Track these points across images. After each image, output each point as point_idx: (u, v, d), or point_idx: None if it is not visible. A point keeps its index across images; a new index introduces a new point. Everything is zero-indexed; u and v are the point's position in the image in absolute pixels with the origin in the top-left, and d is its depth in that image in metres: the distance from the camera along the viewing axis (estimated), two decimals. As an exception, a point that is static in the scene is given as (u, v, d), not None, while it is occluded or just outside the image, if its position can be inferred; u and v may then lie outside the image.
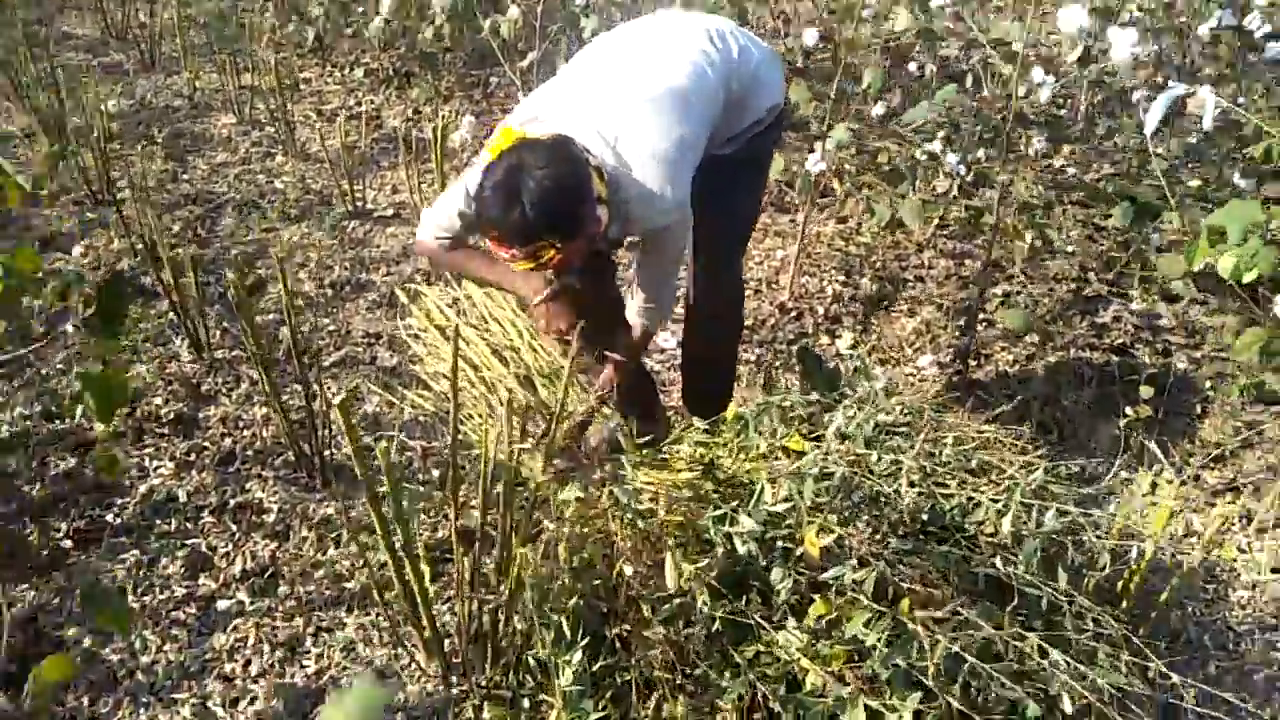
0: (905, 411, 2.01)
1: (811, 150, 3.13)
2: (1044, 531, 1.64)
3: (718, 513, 1.86)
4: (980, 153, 3.14)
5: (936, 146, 2.81)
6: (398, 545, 1.87)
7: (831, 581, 1.71)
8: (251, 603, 2.36)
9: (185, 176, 4.73)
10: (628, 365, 2.33)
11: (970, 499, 1.80)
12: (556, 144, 1.89)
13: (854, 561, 1.70)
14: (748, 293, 3.27)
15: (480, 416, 2.88)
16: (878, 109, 3.19)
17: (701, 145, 2.11)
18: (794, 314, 3.45)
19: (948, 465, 1.89)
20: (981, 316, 3.27)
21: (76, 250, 3.98)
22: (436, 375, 3.09)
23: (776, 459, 2.11)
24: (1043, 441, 2.73)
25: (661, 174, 1.98)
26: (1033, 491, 1.75)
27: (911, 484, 1.83)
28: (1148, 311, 3.29)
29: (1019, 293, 3.50)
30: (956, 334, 3.31)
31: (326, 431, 2.73)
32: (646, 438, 2.58)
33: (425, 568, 2.27)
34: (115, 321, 2.66)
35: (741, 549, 1.77)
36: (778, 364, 3.19)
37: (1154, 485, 2.64)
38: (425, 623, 2.00)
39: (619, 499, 1.93)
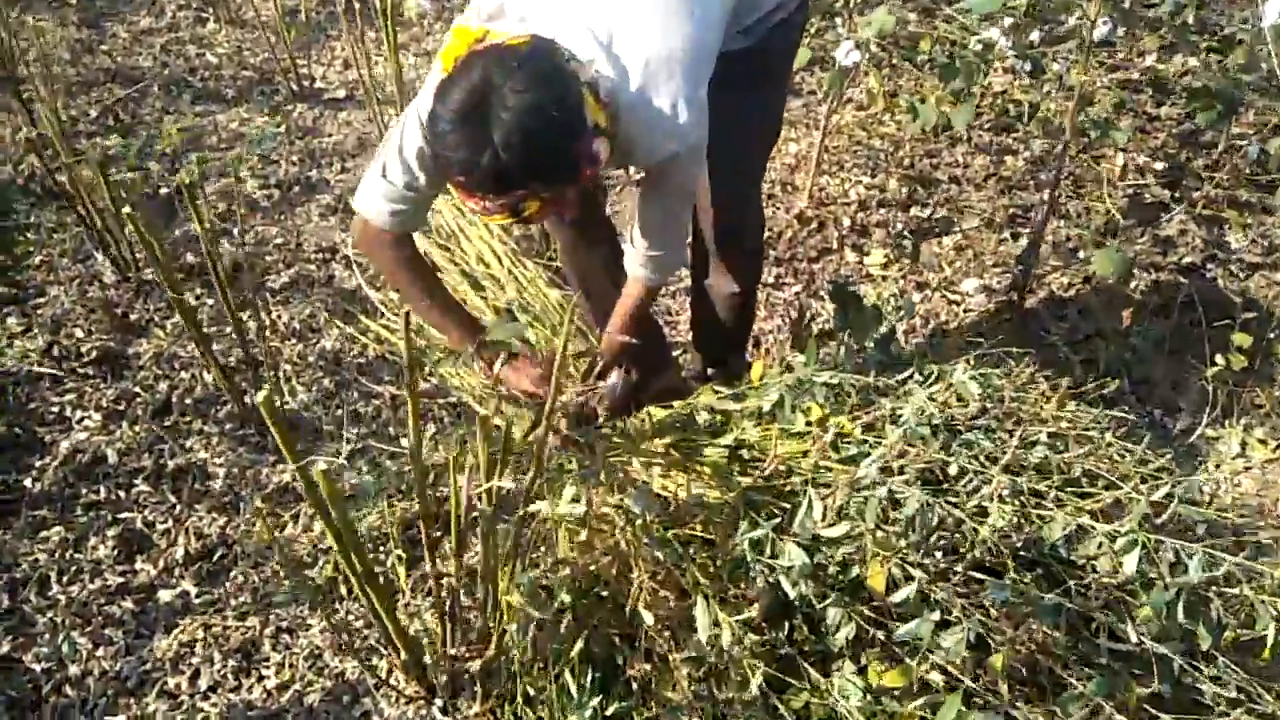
0: (985, 394, 1.64)
1: (842, 33, 2.64)
2: (1184, 582, 1.31)
3: (756, 532, 1.50)
4: (1034, 34, 2.66)
5: (995, 34, 2.34)
6: (355, 563, 1.51)
7: (906, 637, 1.38)
8: (198, 594, 2.02)
9: (104, 47, 4.11)
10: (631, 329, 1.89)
11: (1074, 520, 1.46)
12: (535, 52, 1.37)
13: (934, 612, 1.36)
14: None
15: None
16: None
17: (717, 46, 1.65)
18: (814, 224, 3.02)
19: (1043, 474, 1.54)
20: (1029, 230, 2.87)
21: (-18, 138, 3.44)
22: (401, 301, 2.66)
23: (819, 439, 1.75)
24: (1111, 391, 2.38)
25: (671, 85, 1.51)
26: (1156, 517, 1.41)
27: (1000, 499, 1.48)
28: (1213, 218, 2.89)
29: (1066, 200, 3.09)
30: (1003, 251, 2.90)
31: (276, 375, 2.33)
32: (657, 393, 2.21)
33: (401, 567, 1.93)
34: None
35: (791, 591, 1.43)
36: (809, 302, 2.78)
37: (1244, 445, 2.33)
38: (397, 643, 1.66)
39: (630, 512, 1.57)
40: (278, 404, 2.35)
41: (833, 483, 1.56)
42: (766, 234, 2.96)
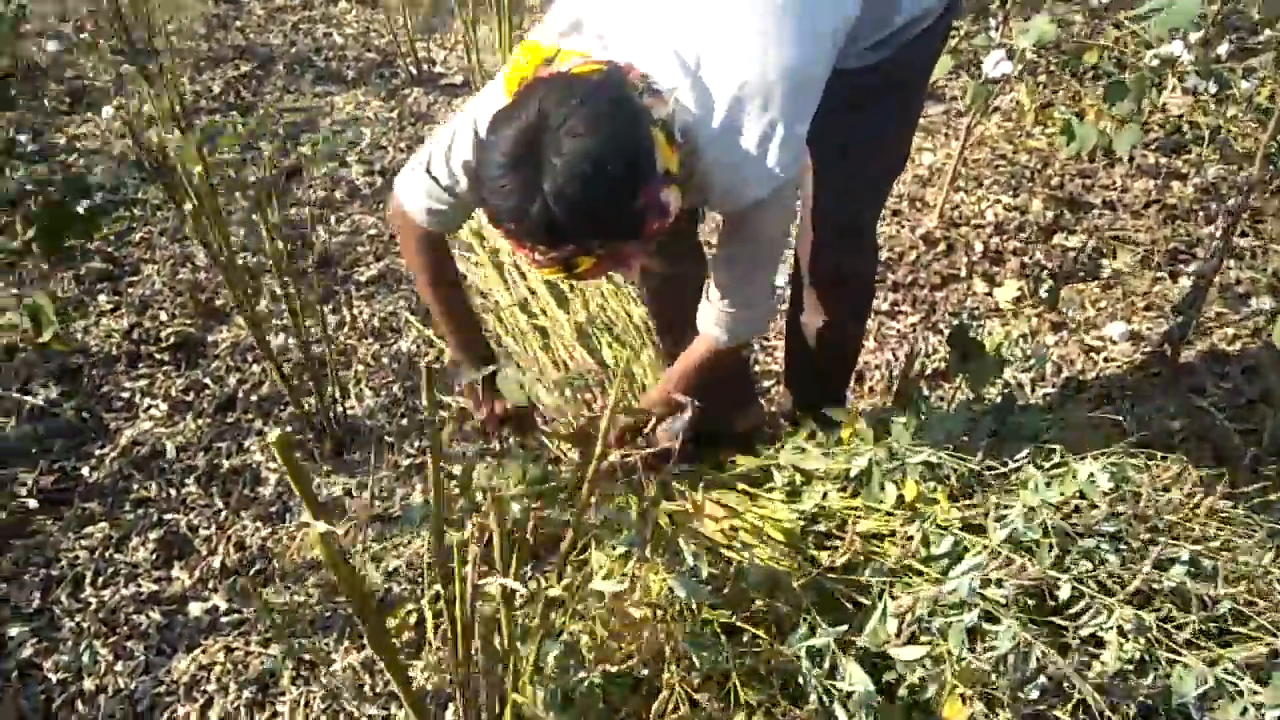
0: (1118, 494, 1.33)
1: (994, 38, 2.31)
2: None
3: (815, 640, 1.25)
4: (1223, 48, 2.27)
5: (1177, 48, 1.98)
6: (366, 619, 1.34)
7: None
8: (227, 611, 1.91)
9: (238, 23, 4.14)
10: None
11: (1213, 672, 1.15)
12: (601, 86, 1.17)
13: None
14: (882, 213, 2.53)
15: (532, 368, 2.31)
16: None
17: (827, 72, 1.39)
18: (942, 246, 2.70)
19: (1180, 603, 1.22)
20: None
21: (107, 111, 3.48)
22: (484, 307, 2.51)
23: (909, 517, 1.48)
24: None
25: (764, 120, 1.27)
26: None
27: (1122, 634, 1.19)
28: None
29: (1239, 236, 2.66)
30: (1158, 292, 2.52)
31: (335, 389, 2.20)
32: (734, 436, 1.98)
33: (430, 612, 1.77)
34: (56, 243, 2.16)
35: (847, 720, 1.18)
36: (920, 344, 2.47)
37: None
38: (408, 708, 1.48)
39: (678, 592, 1.35)
40: (341, 410, 2.26)
41: (915, 589, 1.29)
42: (886, 254, 2.67)
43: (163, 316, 2.59)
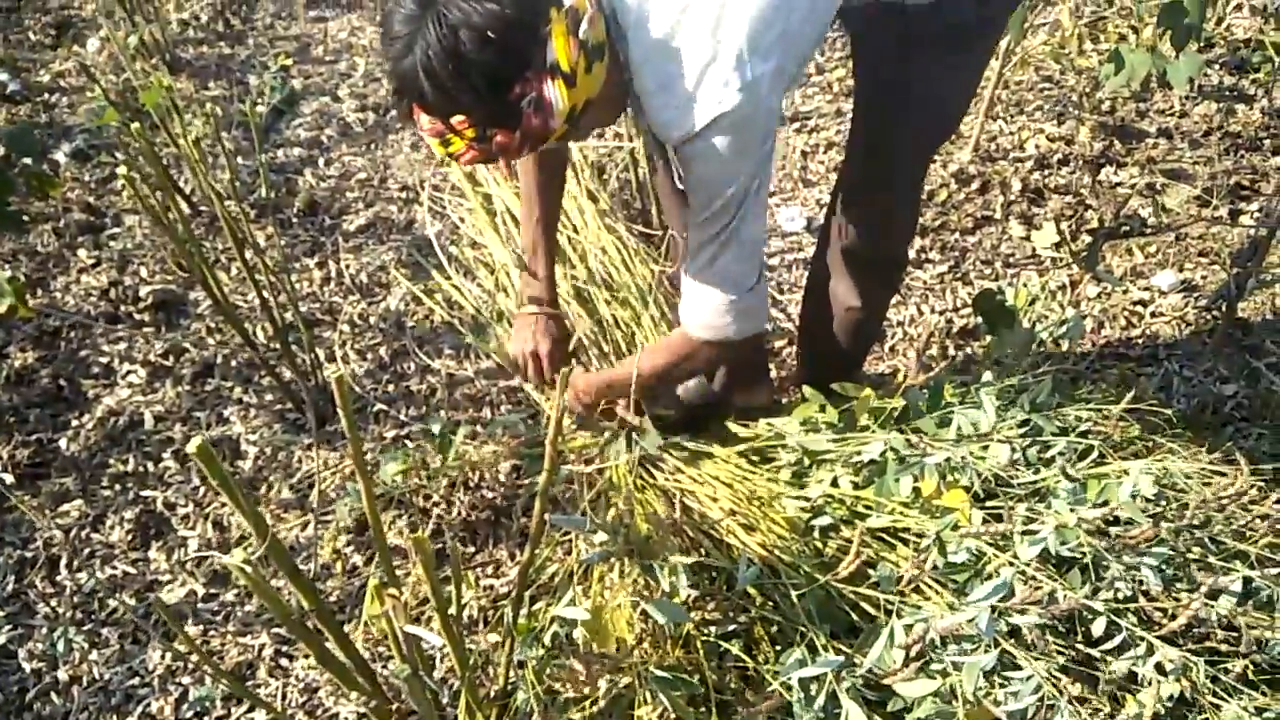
0: (1162, 504, 1.16)
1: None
2: None
3: (808, 670, 1.12)
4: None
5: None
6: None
7: None
8: (205, 596, 1.82)
9: (231, -62, 3.89)
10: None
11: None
12: None
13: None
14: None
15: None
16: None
17: (828, 12, 1.20)
18: (976, 184, 2.47)
19: (1230, 637, 1.07)
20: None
21: (93, 44, 3.31)
22: (478, 259, 2.34)
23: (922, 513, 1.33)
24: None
25: (706, 44, 1.12)
26: None
27: (1161, 672, 1.03)
28: None
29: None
30: (1214, 234, 2.28)
31: (318, 354, 2.07)
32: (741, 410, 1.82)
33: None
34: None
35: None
36: (938, 320, 2.27)
37: None
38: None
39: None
40: (324, 378, 2.13)
41: (927, 611, 1.15)
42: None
43: (143, 273, 2.46)
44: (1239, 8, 2.30)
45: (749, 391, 1.83)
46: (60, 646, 1.75)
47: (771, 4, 1.14)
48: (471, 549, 1.86)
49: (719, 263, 1.29)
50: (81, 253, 2.52)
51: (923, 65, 1.35)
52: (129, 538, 1.91)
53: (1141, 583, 1.13)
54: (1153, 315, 2.11)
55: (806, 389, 1.62)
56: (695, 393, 1.87)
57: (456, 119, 1.12)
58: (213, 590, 1.83)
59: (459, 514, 1.89)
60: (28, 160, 1.90)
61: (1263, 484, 1.29)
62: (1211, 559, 1.13)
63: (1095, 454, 1.29)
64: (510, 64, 1.09)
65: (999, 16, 1.40)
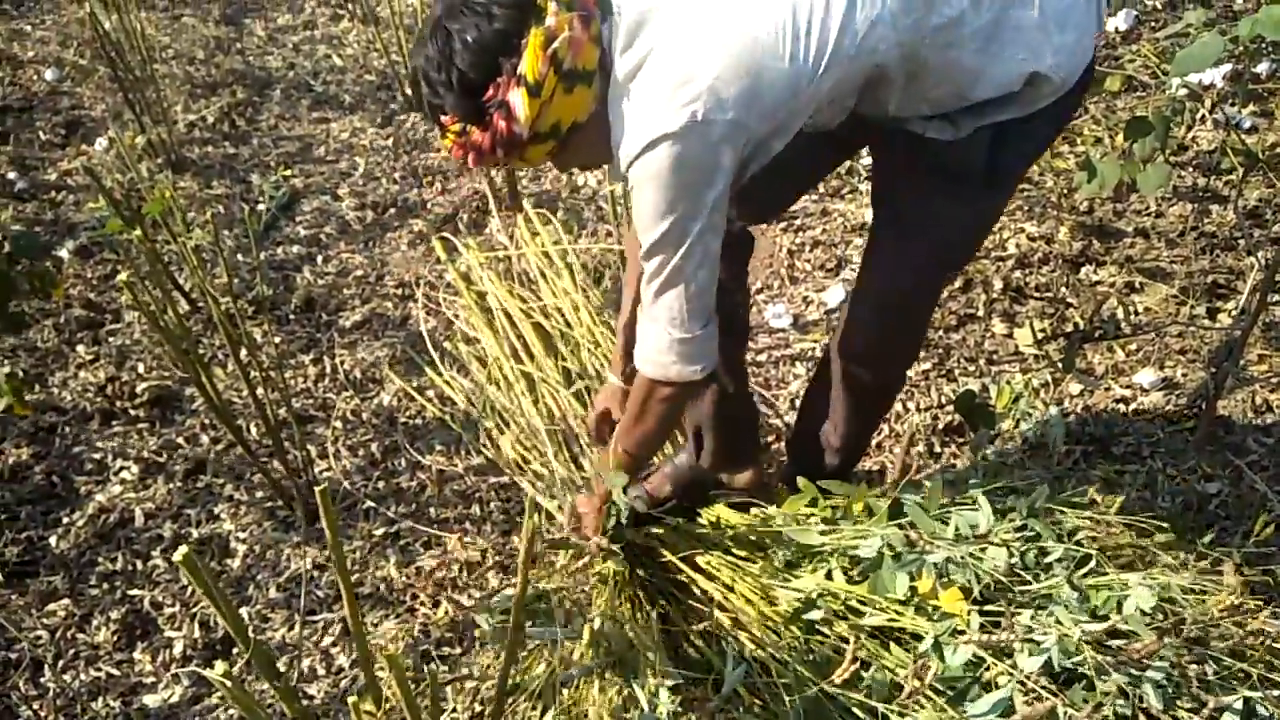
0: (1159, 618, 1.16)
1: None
2: None
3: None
4: (1263, 66, 2.08)
5: (1210, 76, 1.79)
6: None
7: None
8: (191, 698, 1.80)
9: (238, 45, 4.04)
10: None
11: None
12: None
13: None
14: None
15: (514, 418, 2.17)
16: (1119, 19, 2.11)
17: (809, 101, 1.26)
18: (959, 283, 2.53)
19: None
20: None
21: (101, 143, 3.40)
22: (470, 355, 2.38)
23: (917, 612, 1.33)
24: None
25: (663, 84, 1.21)
26: None
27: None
28: None
29: None
30: (1194, 338, 2.32)
31: (309, 451, 2.09)
32: (731, 493, 1.83)
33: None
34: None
35: None
36: (918, 426, 2.30)
37: None
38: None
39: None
40: (315, 475, 2.15)
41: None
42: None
43: (140, 369, 2.50)
44: (1203, 120, 2.38)
45: (734, 463, 1.85)
46: (38, 753, 1.73)
47: (741, 61, 1.20)
48: (458, 650, 1.85)
49: (663, 299, 1.33)
50: (80, 348, 2.56)
51: (957, 193, 1.41)
52: (114, 638, 1.90)
53: (1141, 699, 1.13)
54: (1135, 413, 2.14)
55: (800, 480, 1.64)
56: (682, 469, 1.89)
57: (445, 116, 1.27)
58: (197, 691, 1.81)
59: (445, 614, 1.89)
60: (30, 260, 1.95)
61: (1253, 595, 1.30)
62: (1210, 676, 1.14)
63: (1093, 562, 1.30)
64: (484, 68, 1.22)
65: (1019, 164, 1.47)
